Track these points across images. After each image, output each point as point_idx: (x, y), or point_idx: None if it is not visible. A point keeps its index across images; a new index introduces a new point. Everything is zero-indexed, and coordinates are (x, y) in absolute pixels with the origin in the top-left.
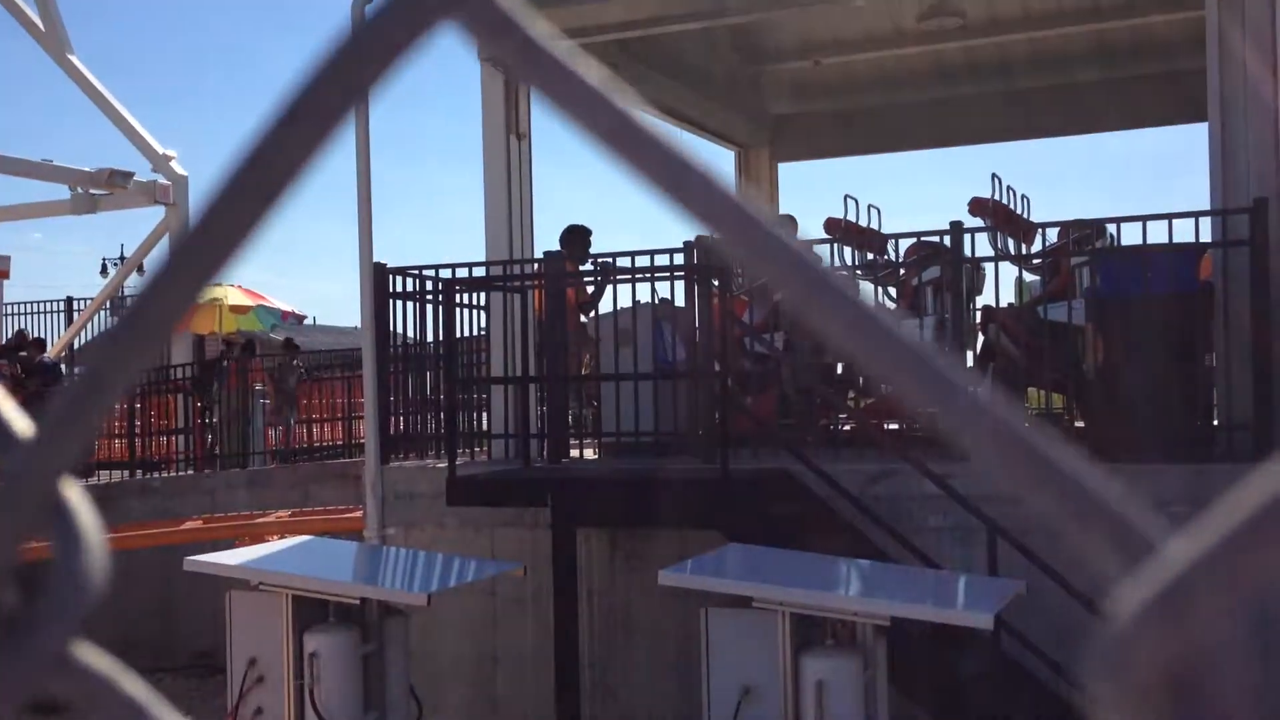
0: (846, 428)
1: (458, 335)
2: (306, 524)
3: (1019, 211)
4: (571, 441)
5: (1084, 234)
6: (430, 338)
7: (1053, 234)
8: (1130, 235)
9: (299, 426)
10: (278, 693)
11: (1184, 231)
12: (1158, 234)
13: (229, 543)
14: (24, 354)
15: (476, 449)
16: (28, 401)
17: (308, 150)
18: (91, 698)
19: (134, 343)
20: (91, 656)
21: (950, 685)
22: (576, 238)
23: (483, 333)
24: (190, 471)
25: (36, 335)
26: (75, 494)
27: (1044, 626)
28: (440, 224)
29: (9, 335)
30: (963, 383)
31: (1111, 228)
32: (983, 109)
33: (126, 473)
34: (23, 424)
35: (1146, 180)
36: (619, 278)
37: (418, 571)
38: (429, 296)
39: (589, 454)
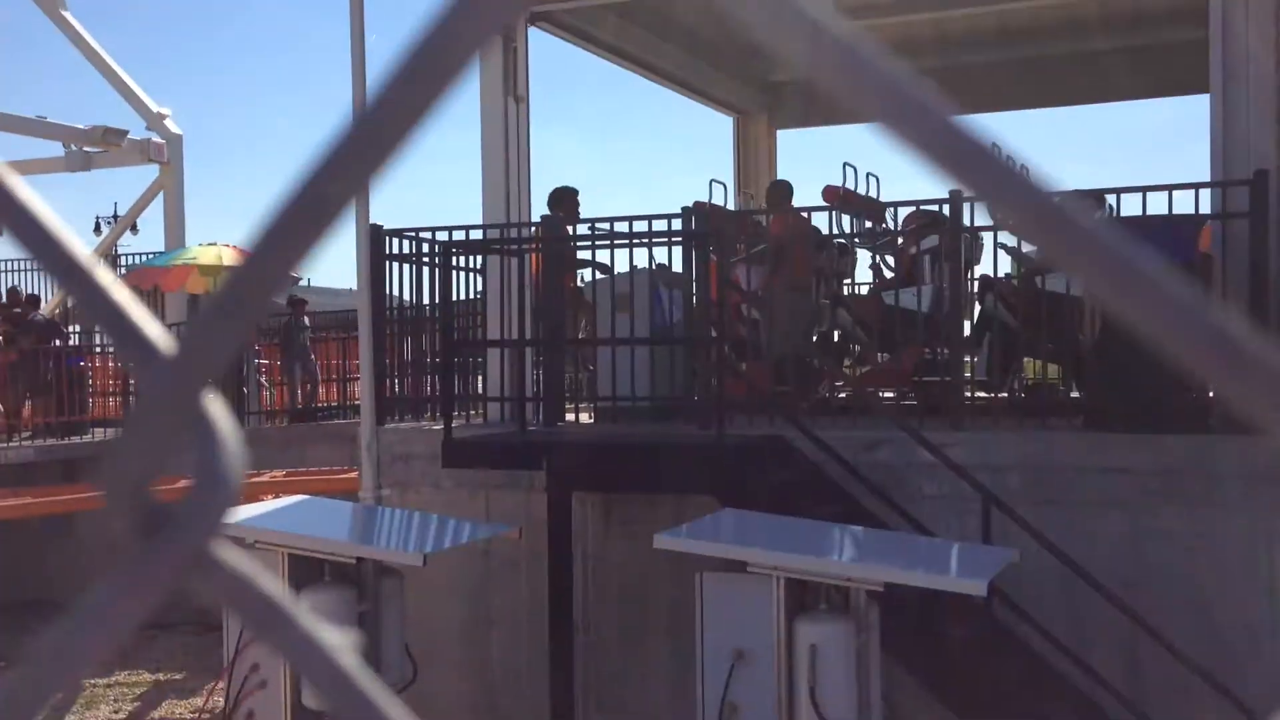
0: (842, 395)
1: (454, 298)
2: (301, 484)
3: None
4: (567, 406)
5: (1083, 205)
6: (426, 300)
7: None
8: (1129, 206)
9: (304, 385)
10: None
11: (1184, 203)
12: (1157, 205)
13: None
14: (17, 310)
15: (472, 412)
16: (22, 359)
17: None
18: (230, 594)
19: (278, 254)
20: (230, 554)
21: (942, 651)
22: (566, 199)
23: (479, 296)
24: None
25: (31, 293)
26: (217, 405)
27: (1036, 595)
28: (435, 186)
29: (2, 293)
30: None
31: (1110, 198)
32: (985, 78)
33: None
34: (166, 339)
35: (1147, 151)
36: (617, 243)
37: (413, 532)
38: (425, 259)
39: (584, 418)
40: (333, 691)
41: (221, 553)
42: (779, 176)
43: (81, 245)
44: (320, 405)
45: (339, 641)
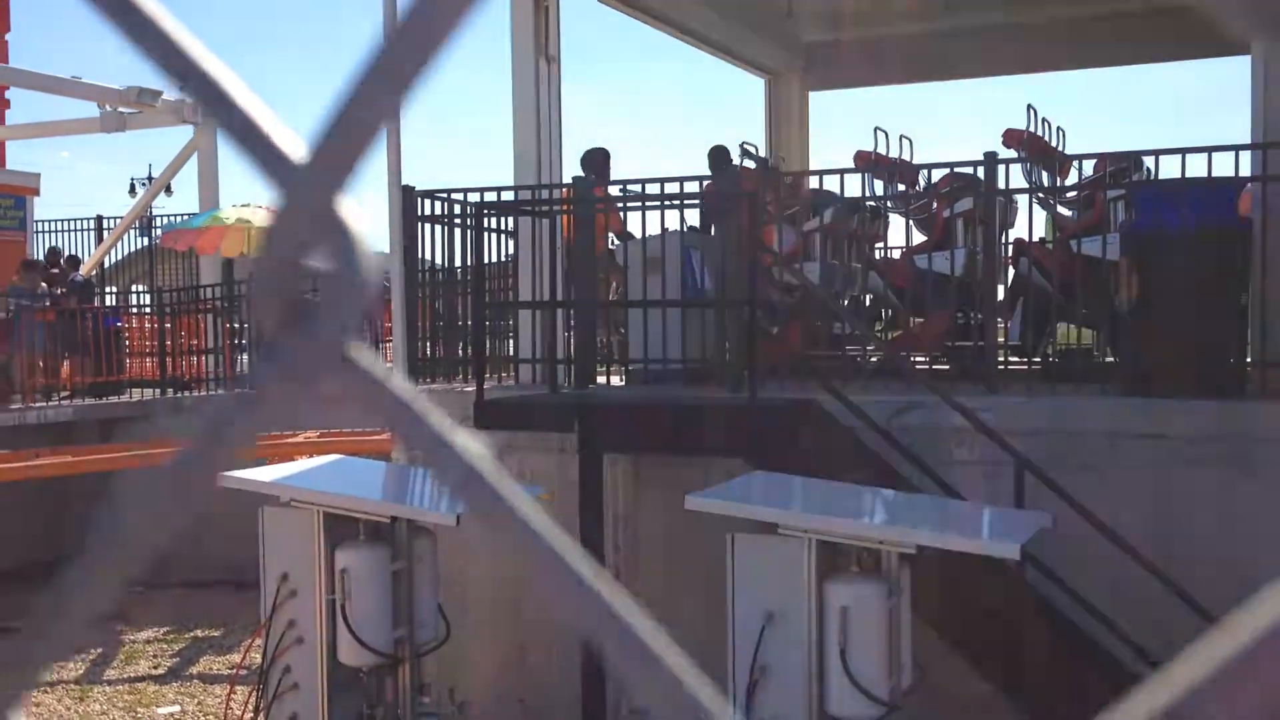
0: (874, 359)
1: (486, 259)
2: (335, 444)
3: (1054, 144)
4: (598, 368)
5: (1120, 167)
6: (458, 262)
7: (1089, 167)
8: (1169, 169)
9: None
10: (309, 607)
11: (1224, 165)
12: (1197, 168)
13: (259, 461)
14: (56, 271)
15: (504, 374)
16: (60, 318)
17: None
18: (364, 392)
19: (391, 80)
20: (364, 354)
21: (974, 615)
22: (599, 161)
23: (511, 257)
24: (221, 391)
25: (71, 253)
26: (351, 209)
27: (1069, 560)
28: (466, 147)
29: (43, 253)
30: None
31: (1149, 161)
32: (1020, 39)
33: (158, 391)
34: (298, 148)
35: (1187, 114)
36: (648, 204)
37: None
38: (457, 220)
39: (615, 381)
40: (462, 487)
41: (356, 352)
42: (811, 139)
43: (209, 55)
44: None
45: (469, 441)
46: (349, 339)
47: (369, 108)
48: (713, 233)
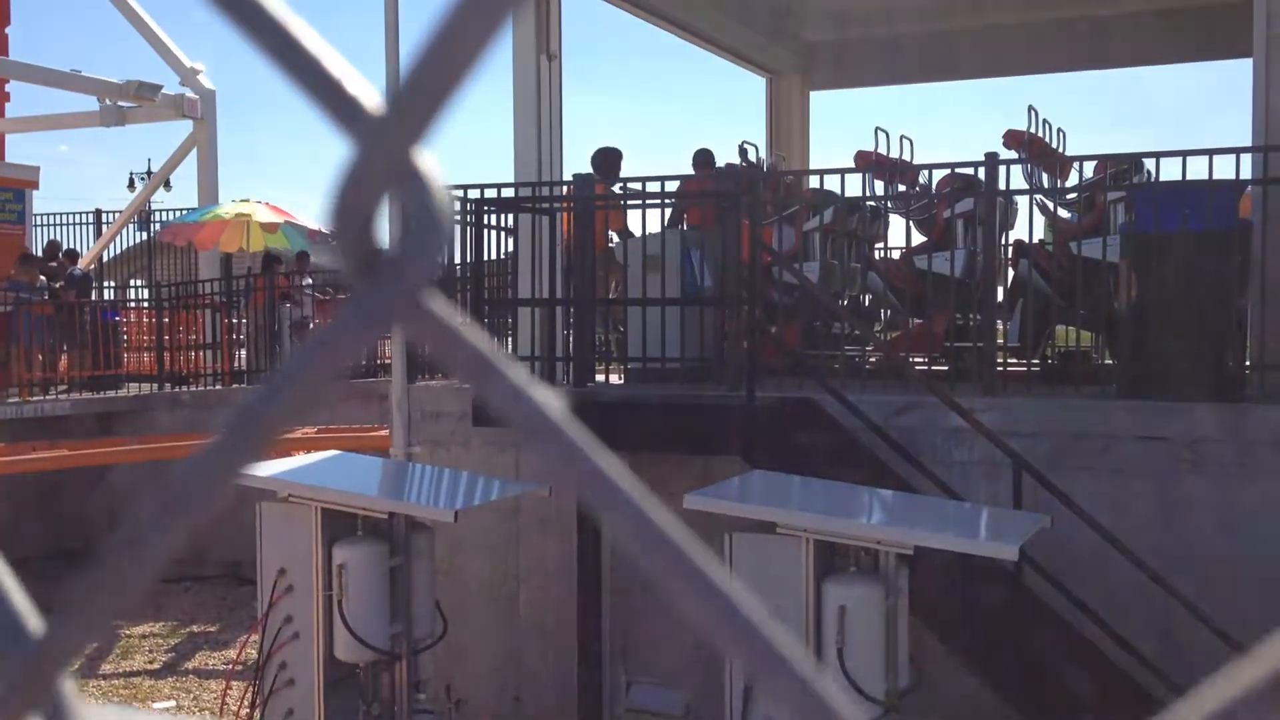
0: (873, 359)
1: (485, 256)
2: (333, 440)
3: (1055, 145)
4: (597, 366)
5: (1121, 169)
6: (457, 258)
7: (1089, 168)
8: (1169, 171)
9: None
10: (306, 602)
11: (1224, 168)
12: (1198, 170)
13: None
14: (54, 264)
15: None
16: (58, 312)
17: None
18: (439, 341)
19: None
20: (440, 303)
21: (972, 617)
22: (610, 160)
23: (510, 255)
24: (218, 386)
25: (70, 247)
26: (427, 159)
27: (1066, 562)
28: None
29: (42, 246)
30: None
31: (1149, 163)
32: (1021, 40)
33: (156, 385)
34: (373, 98)
35: (1187, 116)
36: (649, 203)
37: (444, 488)
38: (457, 217)
39: (614, 379)
40: (535, 438)
41: (433, 301)
42: (811, 139)
43: (279, 3)
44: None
45: (546, 394)
46: (425, 287)
47: (448, 58)
48: (682, 229)
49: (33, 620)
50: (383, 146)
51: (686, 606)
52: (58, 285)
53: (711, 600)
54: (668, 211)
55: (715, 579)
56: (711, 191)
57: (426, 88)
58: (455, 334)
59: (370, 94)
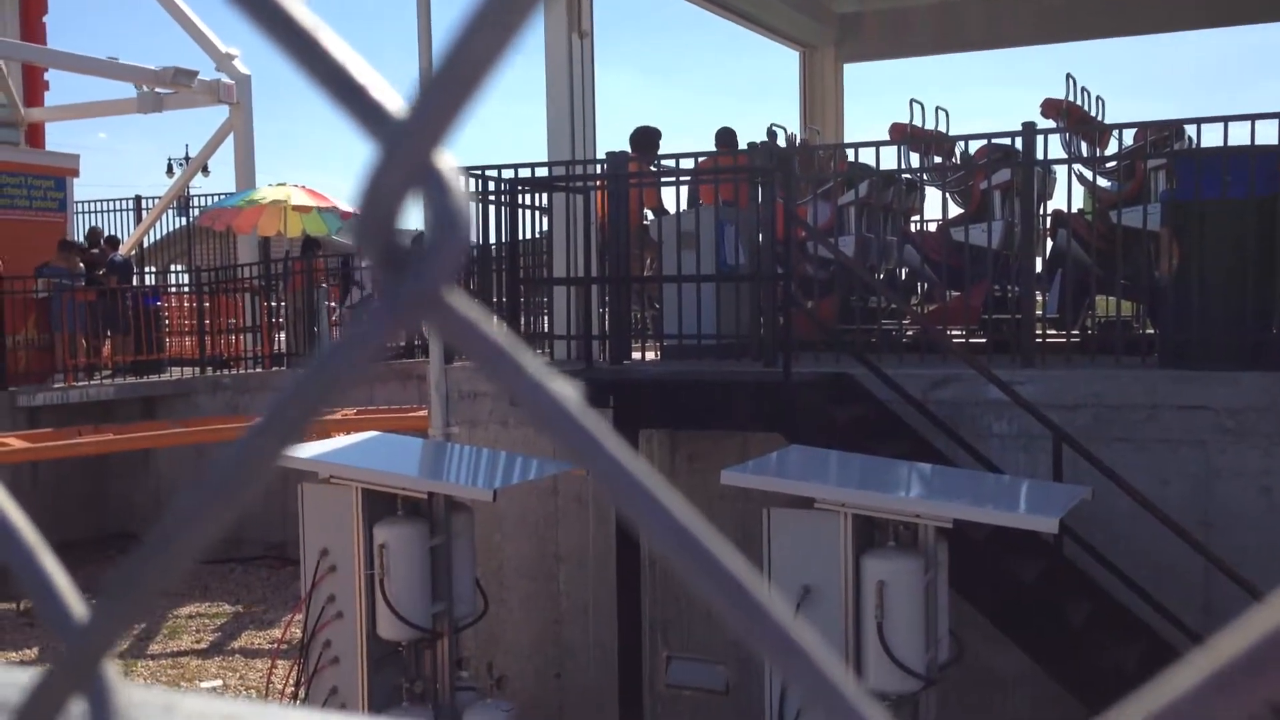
0: (909, 332)
1: (520, 236)
2: (372, 421)
3: (1093, 113)
4: (633, 344)
5: (1161, 136)
6: (493, 238)
7: (1128, 136)
8: (1211, 138)
9: None
10: (349, 582)
11: (1266, 134)
12: (1239, 136)
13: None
14: (95, 251)
15: (538, 350)
16: (101, 298)
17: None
18: (460, 337)
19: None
20: (461, 300)
21: (1012, 590)
22: (649, 140)
23: (545, 234)
24: (258, 369)
25: (110, 234)
26: (447, 161)
27: (1108, 534)
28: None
29: (83, 233)
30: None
31: (1190, 130)
32: (1059, 6)
33: (197, 369)
34: (394, 101)
35: (1230, 82)
36: (683, 179)
37: (483, 468)
38: (491, 197)
39: (650, 356)
40: (553, 430)
41: (454, 297)
42: (845, 111)
43: (300, 5)
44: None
45: (564, 386)
46: (447, 285)
47: (470, 60)
48: (717, 205)
49: (77, 605)
50: (404, 150)
51: (707, 597)
52: (100, 272)
53: (732, 592)
54: (697, 190)
55: (735, 571)
56: (745, 167)
57: (447, 90)
58: (474, 328)
59: (392, 97)
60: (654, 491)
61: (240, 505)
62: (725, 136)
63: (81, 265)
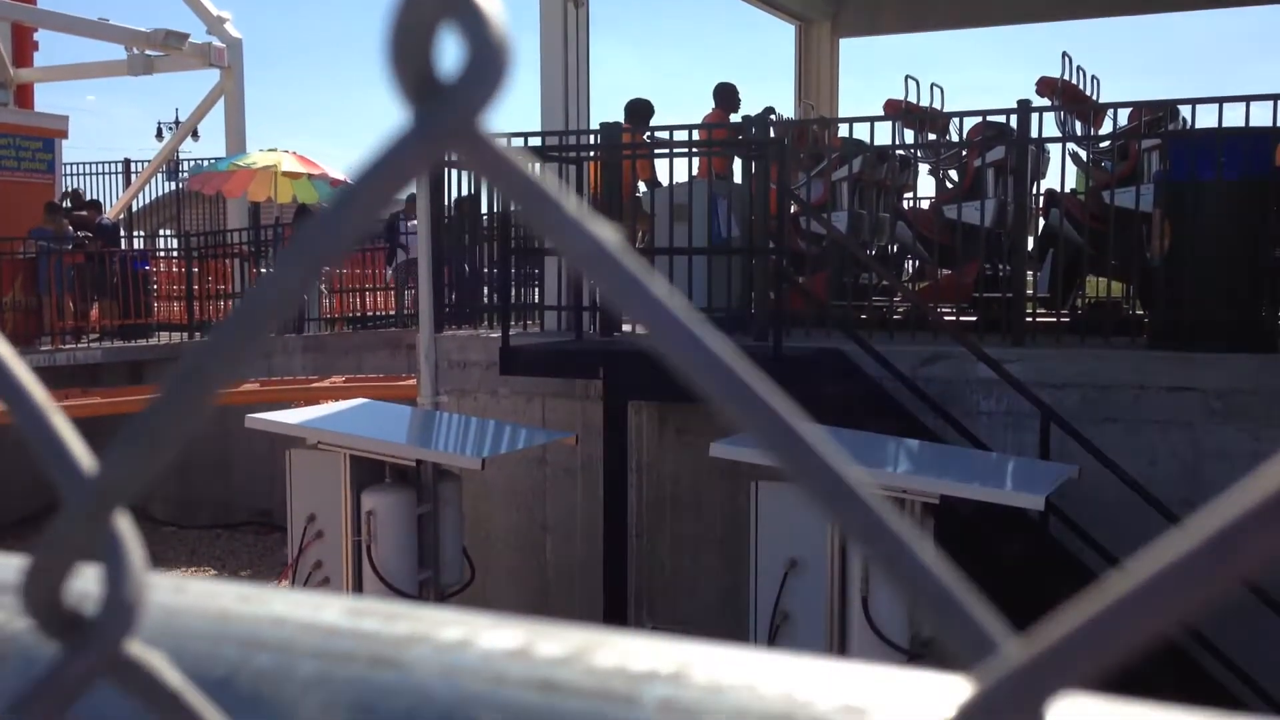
0: (901, 309)
1: (513, 206)
2: (361, 389)
3: (1089, 92)
4: (624, 316)
5: (1155, 116)
6: (485, 208)
7: (1123, 116)
8: (1205, 119)
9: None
10: (336, 548)
11: (1261, 116)
12: (1234, 118)
13: (286, 405)
14: (82, 213)
15: (529, 321)
16: (88, 262)
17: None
18: (492, 169)
19: None
20: (494, 135)
21: (997, 568)
22: (642, 111)
23: None
24: None
25: (92, 197)
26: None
27: (1094, 514)
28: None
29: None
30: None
31: (1184, 111)
32: None
33: (185, 335)
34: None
35: (1225, 63)
36: (676, 152)
37: (471, 436)
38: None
39: (640, 329)
40: (592, 269)
41: (485, 128)
42: (841, 87)
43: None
44: (365, 315)
45: (599, 223)
46: (479, 114)
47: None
48: (691, 178)
49: (87, 459)
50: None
51: (718, 401)
52: (85, 237)
53: (745, 396)
54: (695, 160)
55: (749, 380)
56: (740, 140)
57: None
58: (508, 163)
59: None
60: (692, 326)
61: (270, 333)
62: (724, 92)
63: (70, 228)
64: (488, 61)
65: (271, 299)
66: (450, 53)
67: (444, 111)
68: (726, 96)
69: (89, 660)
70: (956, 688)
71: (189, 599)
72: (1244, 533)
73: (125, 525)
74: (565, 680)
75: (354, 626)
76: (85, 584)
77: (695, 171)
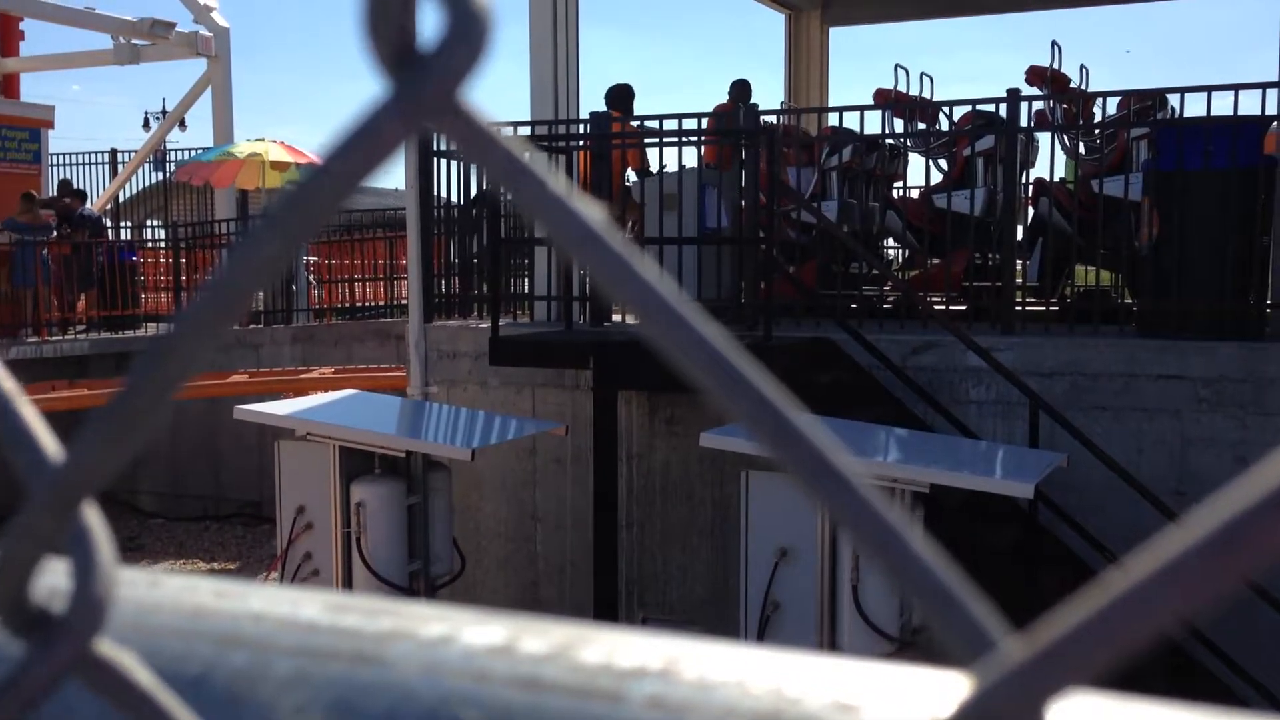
0: (890, 298)
1: (502, 195)
2: (350, 380)
3: (1078, 82)
4: (614, 305)
5: (1144, 105)
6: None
7: (1112, 105)
8: (1194, 107)
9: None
10: (325, 540)
11: (1250, 104)
12: (1223, 107)
13: (275, 396)
14: (66, 201)
15: (519, 311)
16: (75, 252)
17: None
18: (471, 142)
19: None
20: (475, 107)
21: (986, 556)
22: (623, 96)
23: None
24: (235, 326)
25: (79, 187)
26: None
27: (1083, 502)
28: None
29: (55, 187)
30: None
31: (1173, 100)
32: None
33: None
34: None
35: (1214, 52)
36: (666, 140)
37: (461, 427)
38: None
39: (630, 319)
40: (576, 248)
41: (466, 102)
42: (831, 75)
43: None
44: (355, 305)
45: (582, 200)
46: (459, 85)
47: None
48: (681, 167)
49: (54, 447)
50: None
51: (722, 400)
52: (66, 230)
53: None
54: (687, 150)
55: (740, 364)
56: (730, 130)
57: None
58: (489, 136)
59: None
60: (679, 308)
61: (243, 311)
62: (740, 87)
63: (51, 218)
64: (468, 30)
65: (240, 278)
66: (430, 22)
67: (422, 81)
68: (742, 92)
69: (56, 660)
70: (950, 684)
71: (163, 594)
72: (1246, 528)
73: (94, 517)
74: (550, 677)
75: (334, 623)
76: (55, 579)
77: (702, 157)
